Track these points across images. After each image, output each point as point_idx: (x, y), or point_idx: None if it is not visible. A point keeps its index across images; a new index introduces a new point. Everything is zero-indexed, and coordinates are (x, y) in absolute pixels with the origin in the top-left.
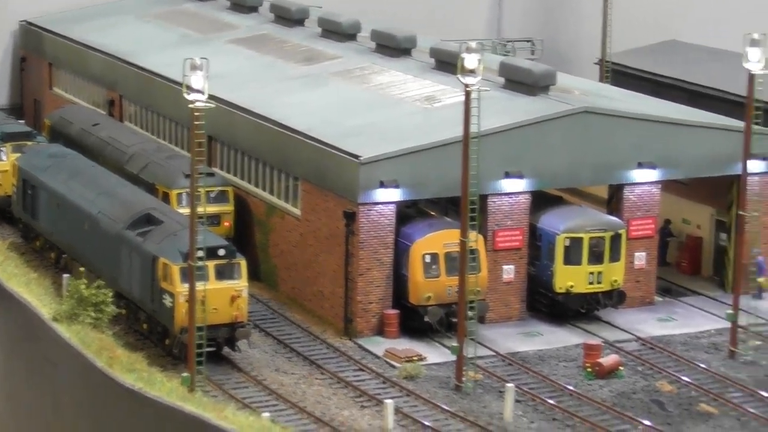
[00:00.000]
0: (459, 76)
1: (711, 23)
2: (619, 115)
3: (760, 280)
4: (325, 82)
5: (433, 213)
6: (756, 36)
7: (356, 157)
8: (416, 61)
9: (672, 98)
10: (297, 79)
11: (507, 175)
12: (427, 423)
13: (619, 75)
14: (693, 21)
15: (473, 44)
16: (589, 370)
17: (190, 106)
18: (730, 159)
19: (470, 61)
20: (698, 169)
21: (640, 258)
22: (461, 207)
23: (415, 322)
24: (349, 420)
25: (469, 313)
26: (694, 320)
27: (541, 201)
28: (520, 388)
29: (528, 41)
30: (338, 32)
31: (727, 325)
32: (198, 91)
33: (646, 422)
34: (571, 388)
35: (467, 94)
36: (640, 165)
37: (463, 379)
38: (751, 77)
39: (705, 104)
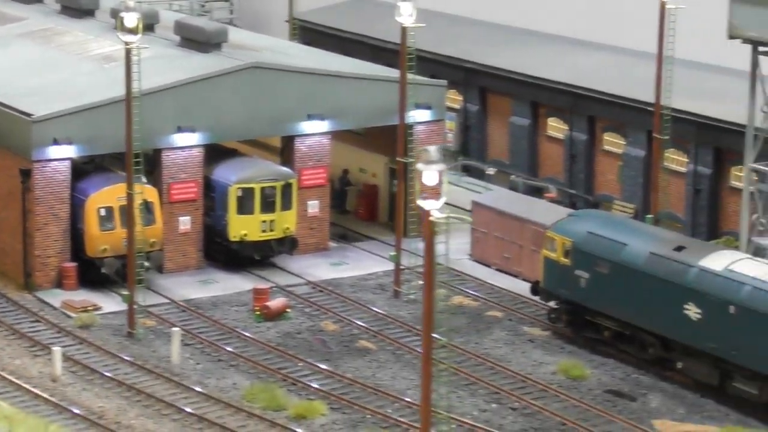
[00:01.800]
0: (119, 34)
1: None
2: (287, 69)
3: None
4: (9, 43)
5: (111, 168)
6: None
7: (28, 115)
8: (99, 21)
9: (356, 53)
10: None
11: (180, 130)
12: (96, 368)
13: (307, 32)
14: None
15: (131, 3)
16: (258, 313)
17: None
18: (396, 109)
19: (129, 19)
20: (366, 120)
21: (313, 206)
22: (126, 161)
23: (93, 274)
24: (20, 369)
25: (146, 264)
26: (364, 263)
27: (216, 153)
28: (190, 332)
29: (226, 1)
30: None
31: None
32: None
33: (316, 361)
34: (239, 330)
35: (127, 51)
36: (309, 117)
37: (136, 326)
38: (403, 30)
39: (386, 58)
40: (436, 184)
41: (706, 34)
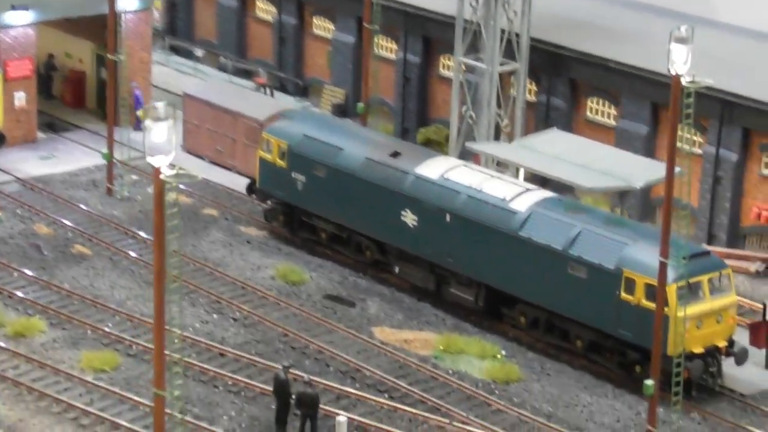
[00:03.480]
0: None
1: None
2: None
3: (139, 112)
4: None
5: None
6: None
7: None
8: None
9: None
10: None
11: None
12: None
13: None
14: None
15: None
16: None
17: None
18: None
19: None
20: (73, 9)
21: (20, 98)
22: None
23: None
24: None
25: None
26: (75, 156)
27: None
28: None
29: None
30: None
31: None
32: None
33: (32, 269)
34: None
35: None
36: (13, 7)
37: None
38: None
39: None
40: (165, 141)
41: None
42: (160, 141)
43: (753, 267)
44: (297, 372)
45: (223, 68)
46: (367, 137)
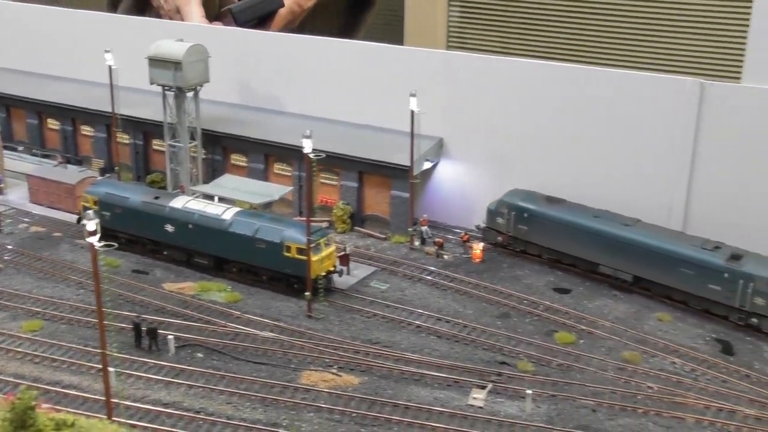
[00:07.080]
0: None
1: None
2: None
3: (2, 185)
4: None
5: None
6: None
7: None
8: None
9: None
10: None
11: None
12: None
13: None
14: None
15: None
16: None
17: None
18: None
19: None
20: None
21: None
22: None
23: None
24: None
25: None
26: None
27: None
28: None
29: None
30: None
31: None
32: None
33: None
34: None
35: None
36: None
37: None
38: None
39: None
40: (95, 230)
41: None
42: (92, 228)
43: (324, 225)
44: (134, 315)
45: (35, 155)
46: (140, 190)
